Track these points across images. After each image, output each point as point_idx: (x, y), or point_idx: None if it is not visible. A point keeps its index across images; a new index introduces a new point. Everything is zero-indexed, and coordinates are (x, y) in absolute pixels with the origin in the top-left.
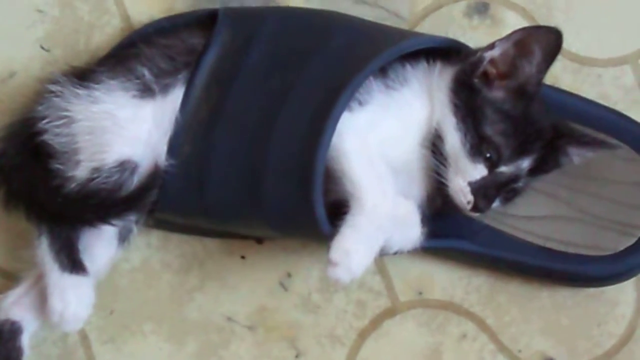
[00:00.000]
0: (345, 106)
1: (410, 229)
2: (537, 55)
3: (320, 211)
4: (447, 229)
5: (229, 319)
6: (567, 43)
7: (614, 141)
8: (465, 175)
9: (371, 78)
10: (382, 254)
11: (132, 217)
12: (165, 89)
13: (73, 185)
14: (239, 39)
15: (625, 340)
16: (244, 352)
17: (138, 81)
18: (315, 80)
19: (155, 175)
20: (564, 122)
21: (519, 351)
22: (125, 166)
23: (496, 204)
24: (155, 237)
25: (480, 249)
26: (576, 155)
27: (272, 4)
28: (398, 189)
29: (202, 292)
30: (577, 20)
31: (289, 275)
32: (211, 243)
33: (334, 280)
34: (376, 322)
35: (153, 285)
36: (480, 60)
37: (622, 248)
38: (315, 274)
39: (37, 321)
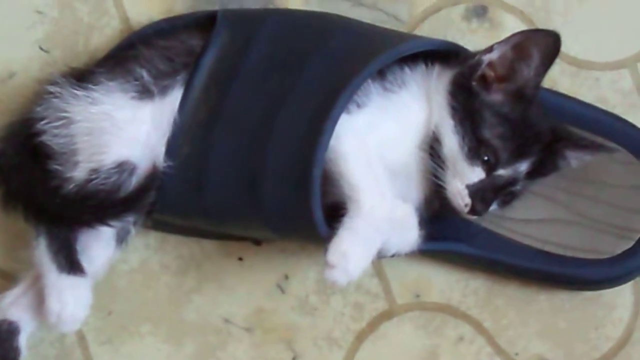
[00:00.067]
0: (343, 108)
1: (407, 232)
2: (536, 58)
3: (318, 213)
4: (445, 231)
5: (227, 320)
6: (566, 46)
7: (611, 145)
8: (463, 178)
9: (369, 80)
10: (380, 256)
11: (130, 218)
12: (164, 91)
13: (71, 186)
14: (238, 41)
15: (623, 343)
16: (241, 354)
17: (137, 82)
18: (314, 82)
19: (154, 177)
20: (562, 126)
21: (516, 354)
22: (124, 167)
23: (494, 207)
24: (154, 238)
25: (478, 252)
26: (574, 159)
27: (270, 6)
28: (396, 191)
29: (199, 294)
30: (576, 23)
31: (287, 277)
32: (209, 245)
33: (331, 283)
34: (373, 325)
35: (151, 287)
36: (479, 63)
37: (619, 251)
38: (312, 276)
39: (34, 322)
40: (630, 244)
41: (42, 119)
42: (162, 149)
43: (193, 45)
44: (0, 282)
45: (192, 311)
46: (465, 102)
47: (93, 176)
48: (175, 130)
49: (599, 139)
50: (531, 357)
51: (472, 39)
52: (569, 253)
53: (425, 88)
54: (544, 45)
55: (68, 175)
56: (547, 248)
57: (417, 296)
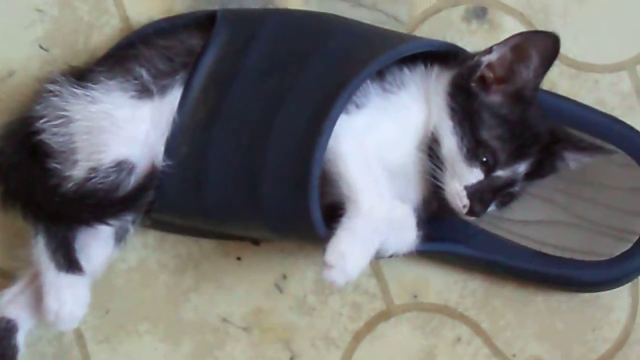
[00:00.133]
0: (342, 108)
1: (406, 232)
2: (535, 60)
3: (317, 213)
4: (443, 232)
5: (224, 319)
6: (565, 48)
7: (610, 147)
8: (461, 179)
9: (368, 81)
10: (378, 256)
11: (129, 217)
12: (163, 90)
13: (70, 184)
14: (238, 41)
15: (620, 345)
16: (238, 353)
17: (136, 82)
18: (313, 83)
19: (152, 176)
20: (561, 127)
21: (514, 355)
22: (123, 166)
23: (492, 208)
24: (152, 237)
25: (476, 253)
26: (572, 160)
27: (270, 6)
28: (394, 192)
29: (197, 293)
30: (575, 25)
31: (285, 277)
32: (207, 244)
33: (329, 283)
34: (371, 325)
35: (149, 286)
36: (478, 64)
37: (617, 253)
38: (310, 276)
39: (32, 320)
40: (628, 246)
41: (42, 117)
42: (161, 149)
43: (193, 44)
44: None
45: (190, 310)
46: (464, 103)
47: (92, 175)
48: (174, 129)
49: (598, 141)
50: (528, 358)
51: (472, 40)
52: (567, 255)
53: (424, 89)
54: (543, 47)
55: (67, 173)
56: (545, 250)
57: (415, 297)
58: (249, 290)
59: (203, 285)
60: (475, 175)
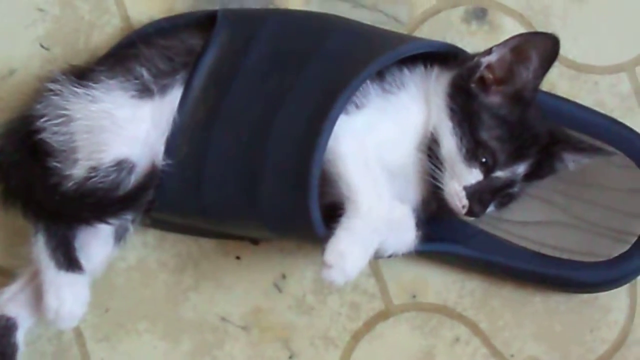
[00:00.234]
0: (342, 109)
1: (405, 233)
2: (534, 61)
3: (316, 213)
4: (442, 233)
5: (224, 319)
6: (564, 50)
7: (609, 148)
8: (460, 179)
9: (368, 82)
10: (377, 256)
11: (129, 217)
12: (163, 90)
13: (70, 183)
14: (238, 41)
15: (618, 346)
16: (237, 352)
17: (137, 81)
18: (313, 83)
19: (153, 175)
20: (560, 128)
21: (512, 356)
22: (123, 165)
23: (491, 208)
24: (152, 236)
25: (475, 254)
26: (571, 162)
27: (271, 6)
28: (394, 192)
29: (197, 292)
30: (575, 27)
31: (284, 276)
32: (207, 243)
33: (329, 282)
34: (370, 325)
35: (149, 284)
36: (478, 65)
37: (616, 254)
38: (309, 275)
39: (32, 318)
40: (627, 247)
41: (42, 116)
42: (161, 148)
43: (193, 44)
44: None
45: (190, 309)
46: (464, 104)
47: (92, 174)
48: (174, 129)
49: (597, 142)
50: (526, 358)
51: (471, 41)
52: (566, 255)
53: (424, 90)
54: (542, 48)
55: (67, 172)
56: (544, 250)
57: (414, 297)
58: (248, 290)
59: (202, 284)
60: (474, 175)
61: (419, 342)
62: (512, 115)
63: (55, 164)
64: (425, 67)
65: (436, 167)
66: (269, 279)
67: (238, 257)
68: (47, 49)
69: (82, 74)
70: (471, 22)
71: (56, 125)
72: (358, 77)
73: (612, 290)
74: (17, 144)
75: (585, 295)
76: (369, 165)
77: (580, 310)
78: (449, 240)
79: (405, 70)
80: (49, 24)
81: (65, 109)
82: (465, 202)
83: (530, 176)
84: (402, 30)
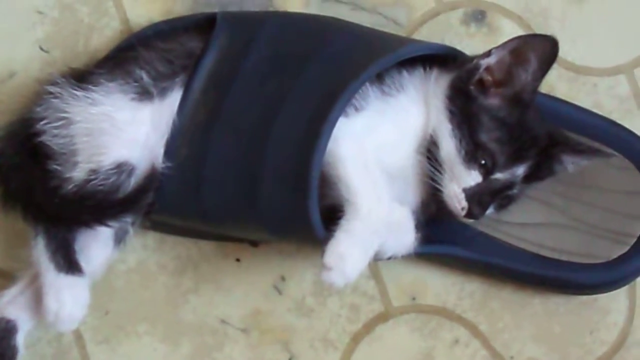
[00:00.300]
0: (341, 111)
1: (404, 235)
2: (533, 63)
3: (316, 216)
4: (441, 235)
5: (223, 321)
6: (563, 52)
7: (608, 150)
8: (460, 181)
9: (368, 84)
10: (376, 258)
11: (129, 219)
12: (163, 92)
13: (70, 186)
14: (237, 43)
15: (617, 347)
16: (237, 355)
17: (136, 84)
18: (313, 85)
19: (152, 178)
20: (559, 130)
21: (511, 357)
22: (123, 168)
23: (490, 210)
24: (152, 238)
25: (474, 256)
26: (570, 163)
27: (270, 9)
28: (393, 194)
29: (196, 294)
30: (573, 29)
31: (283, 278)
32: (206, 245)
33: (328, 284)
34: (369, 327)
35: (148, 287)
36: (477, 67)
37: (615, 256)
38: (309, 277)
39: (32, 320)
40: (626, 248)
41: (42, 119)
42: (160, 150)
43: (192, 47)
44: None
45: (189, 312)
46: (463, 106)
47: (92, 177)
48: (174, 131)
49: (596, 144)
50: None
51: (470, 43)
52: (565, 257)
53: (423, 92)
54: (541, 50)
55: (67, 175)
56: (543, 252)
57: (413, 299)
58: (248, 292)
59: (202, 286)
60: (473, 177)
61: (418, 344)
62: (511, 117)
63: (55, 166)
64: (425, 69)
65: (435, 169)
66: (268, 281)
67: (238, 260)
68: (46, 51)
69: (82, 77)
70: (470, 24)
71: (56, 127)
72: (357, 79)
73: (611, 292)
74: (17, 146)
75: (585, 297)
76: (368, 167)
77: (579, 311)
78: (448, 242)
79: (405, 73)
80: (48, 26)
81: (65, 112)
82: (465, 204)
83: (529, 178)
84: (401, 32)
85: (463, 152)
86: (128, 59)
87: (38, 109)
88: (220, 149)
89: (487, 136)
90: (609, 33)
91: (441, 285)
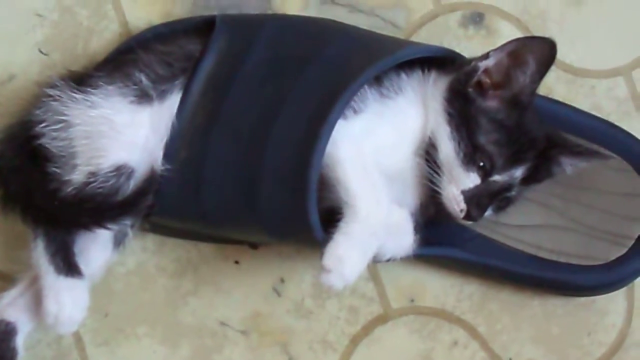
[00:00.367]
0: (340, 113)
1: (403, 237)
2: (531, 65)
3: (314, 218)
4: (440, 237)
5: (223, 323)
6: (561, 54)
7: (606, 152)
8: (458, 183)
9: (366, 86)
10: (375, 260)
11: (128, 222)
12: (162, 95)
13: (69, 188)
14: (236, 46)
15: (615, 349)
16: (237, 357)
17: (135, 87)
18: (311, 88)
19: (152, 180)
20: (557, 132)
21: (510, 359)
22: (122, 171)
23: (489, 212)
24: (151, 241)
25: (472, 257)
26: (569, 165)
27: (269, 11)
28: (392, 196)
29: (196, 297)
30: (572, 31)
31: (283, 280)
32: (206, 248)
33: (327, 287)
34: (368, 329)
35: (148, 289)
36: (475, 69)
37: (613, 258)
38: (308, 279)
39: (32, 323)
40: (624, 250)
41: (41, 121)
42: (160, 153)
43: (191, 50)
44: None
45: (189, 314)
46: (461, 109)
47: (91, 179)
48: (173, 134)
49: (594, 146)
50: None
51: (469, 45)
52: (563, 259)
53: (421, 94)
54: (539, 52)
55: (66, 178)
56: (541, 254)
57: (412, 300)
58: (247, 294)
59: (202, 289)
60: (472, 179)
61: (417, 345)
62: (510, 119)
63: (54, 169)
64: (423, 71)
65: (434, 171)
66: (267, 284)
67: (237, 262)
68: (46, 54)
69: (81, 80)
70: (468, 26)
71: (55, 130)
72: (356, 81)
73: (610, 294)
74: (17, 149)
75: (583, 299)
76: (367, 169)
77: (577, 313)
78: (447, 244)
79: (403, 75)
80: (47, 29)
81: (64, 115)
82: (463, 206)
83: (527, 180)
84: (399, 35)
85: (461, 154)
86: (127, 62)
87: (37, 112)
88: (220, 151)
89: (486, 138)
90: (607, 35)
91: (440, 287)
